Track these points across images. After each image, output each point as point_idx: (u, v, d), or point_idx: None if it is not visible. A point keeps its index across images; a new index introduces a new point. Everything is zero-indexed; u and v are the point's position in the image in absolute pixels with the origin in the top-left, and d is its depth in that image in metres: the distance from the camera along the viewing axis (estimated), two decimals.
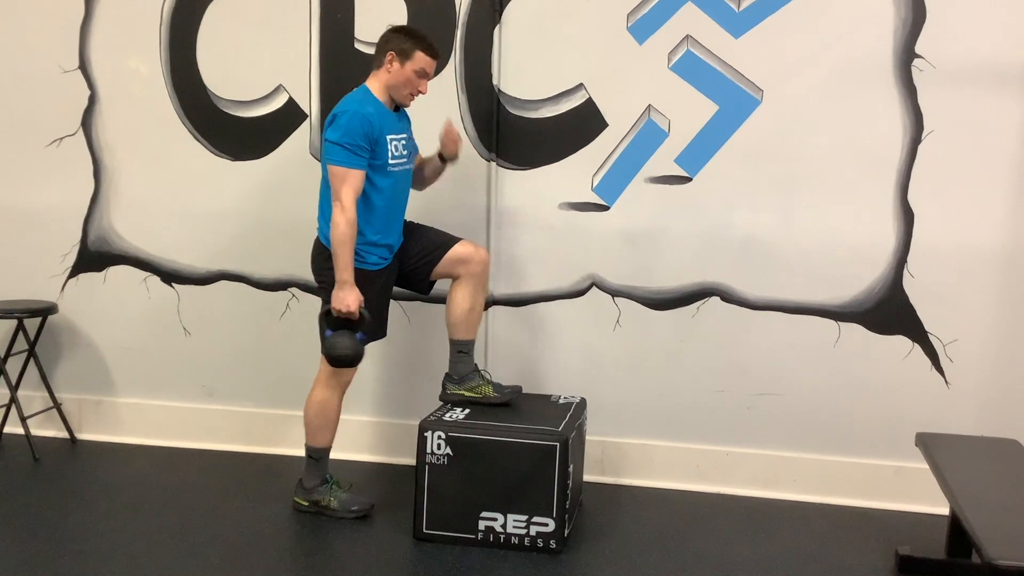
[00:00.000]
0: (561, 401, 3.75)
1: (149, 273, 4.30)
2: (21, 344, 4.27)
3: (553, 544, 3.37)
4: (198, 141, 4.18)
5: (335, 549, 3.39)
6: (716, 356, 3.95)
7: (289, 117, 4.11)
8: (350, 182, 3.29)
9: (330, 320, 3.41)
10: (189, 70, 4.15)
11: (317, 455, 3.63)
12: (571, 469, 3.41)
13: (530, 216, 3.99)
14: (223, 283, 4.26)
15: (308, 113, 4.09)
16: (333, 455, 3.68)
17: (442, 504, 3.41)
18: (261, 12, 4.05)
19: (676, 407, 4.00)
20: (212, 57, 4.13)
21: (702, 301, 3.93)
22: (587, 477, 3.94)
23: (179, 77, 4.16)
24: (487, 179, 3.99)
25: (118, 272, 4.32)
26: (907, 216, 3.76)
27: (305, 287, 4.14)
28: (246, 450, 4.29)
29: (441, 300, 3.74)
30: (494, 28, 3.92)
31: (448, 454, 3.39)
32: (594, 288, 4.00)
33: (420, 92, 3.46)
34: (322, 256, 3.46)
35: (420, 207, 3.80)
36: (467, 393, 3.61)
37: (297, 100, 4.09)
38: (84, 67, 4.21)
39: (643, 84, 3.85)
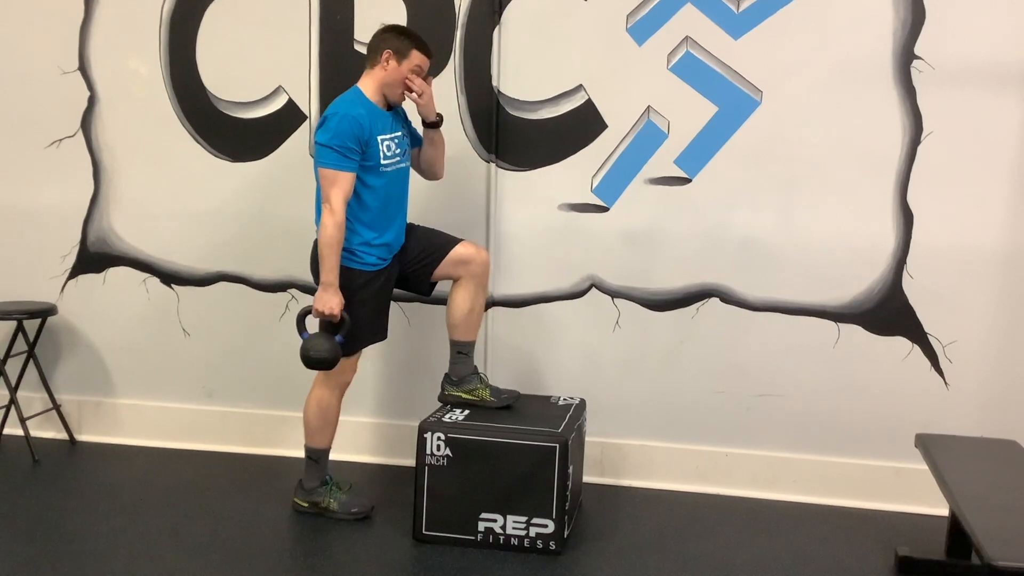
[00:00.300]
0: (560, 402, 3.75)
1: (149, 274, 4.30)
2: (21, 345, 4.27)
3: (553, 545, 3.37)
4: (198, 142, 4.18)
5: (335, 550, 3.39)
6: (715, 357, 3.95)
7: (289, 118, 4.11)
8: (339, 184, 3.30)
9: (312, 322, 3.41)
10: (189, 71, 4.15)
11: (316, 456, 3.63)
12: (571, 470, 3.41)
13: (530, 217, 4.00)
14: (222, 284, 4.26)
15: (308, 114, 4.09)
16: (333, 456, 3.68)
17: (442, 505, 3.41)
18: (261, 13, 4.05)
19: (676, 408, 4.00)
20: (212, 58, 4.13)
21: (702, 302, 3.94)
22: (587, 478, 3.94)
23: (179, 78, 4.16)
24: (487, 180, 3.99)
25: (118, 273, 4.32)
26: (906, 217, 3.76)
27: (304, 288, 4.14)
28: (245, 451, 4.29)
29: (441, 301, 3.74)
30: (494, 29, 3.92)
31: (448, 455, 3.39)
32: (594, 289, 4.01)
33: (415, 90, 3.44)
34: None
35: (420, 208, 3.80)
36: (465, 395, 3.61)
37: (296, 101, 4.09)
38: (84, 68, 4.22)
39: (643, 85, 3.85)
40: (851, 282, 3.82)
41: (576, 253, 3.99)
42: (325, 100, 4.02)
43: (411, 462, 3.52)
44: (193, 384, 4.34)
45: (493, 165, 3.99)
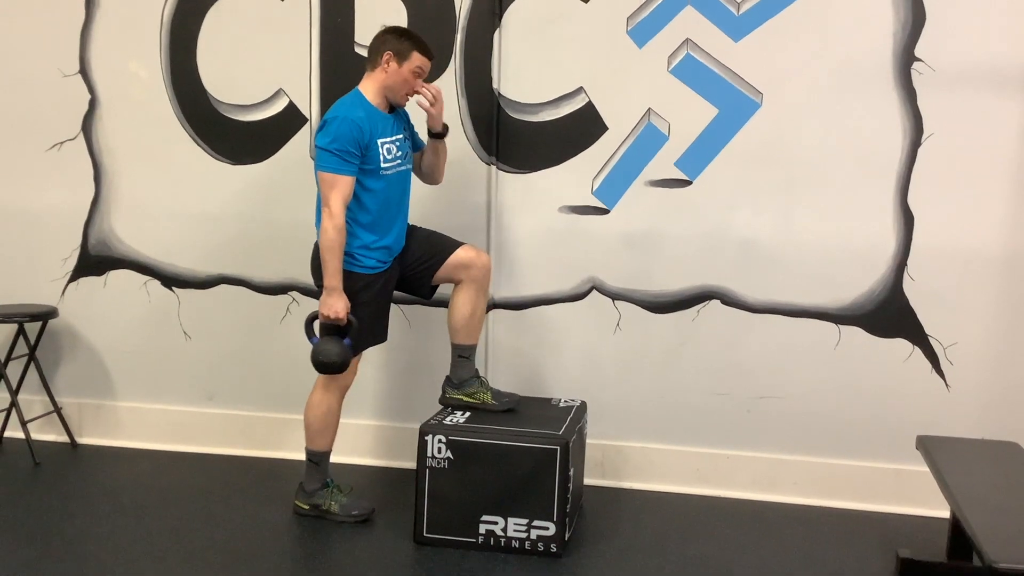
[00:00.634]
0: (561, 404, 3.75)
1: (149, 277, 4.30)
2: (21, 348, 4.27)
3: (554, 548, 3.37)
4: (198, 145, 4.18)
5: (336, 553, 3.39)
6: (716, 359, 3.95)
7: (289, 121, 4.11)
8: (339, 188, 3.30)
9: (318, 327, 3.42)
10: (189, 74, 4.15)
11: (317, 459, 3.63)
12: (572, 473, 3.41)
13: (530, 219, 4.00)
14: (223, 287, 4.26)
15: (308, 117, 4.09)
16: (334, 459, 3.68)
17: (443, 508, 3.41)
18: (261, 16, 4.06)
19: (676, 410, 4.00)
20: (212, 61, 4.13)
21: (702, 304, 3.94)
22: (588, 480, 3.94)
23: (179, 81, 4.16)
24: (487, 182, 3.99)
25: (118, 276, 4.32)
26: (907, 219, 3.76)
27: (305, 291, 4.14)
28: (246, 454, 4.29)
29: (442, 303, 3.74)
30: (494, 32, 3.92)
31: (448, 458, 3.39)
32: (594, 291, 4.01)
33: (416, 92, 3.45)
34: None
35: (421, 210, 3.80)
36: (466, 398, 3.61)
37: (297, 104, 4.09)
38: (84, 71, 4.22)
39: (643, 87, 3.85)
40: (852, 284, 3.82)
41: (577, 255, 3.99)
42: (326, 103, 4.03)
43: (412, 465, 3.52)
44: (194, 387, 4.34)
45: (494, 168, 3.99)
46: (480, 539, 3.40)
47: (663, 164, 3.89)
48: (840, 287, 3.83)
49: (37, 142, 4.29)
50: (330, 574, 3.23)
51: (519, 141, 3.96)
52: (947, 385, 3.81)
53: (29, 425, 4.21)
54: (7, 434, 4.34)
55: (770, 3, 3.73)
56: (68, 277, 4.36)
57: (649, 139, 3.88)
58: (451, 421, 3.47)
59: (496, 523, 3.39)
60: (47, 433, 4.39)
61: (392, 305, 3.67)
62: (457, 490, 3.39)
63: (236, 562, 3.27)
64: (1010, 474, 3.09)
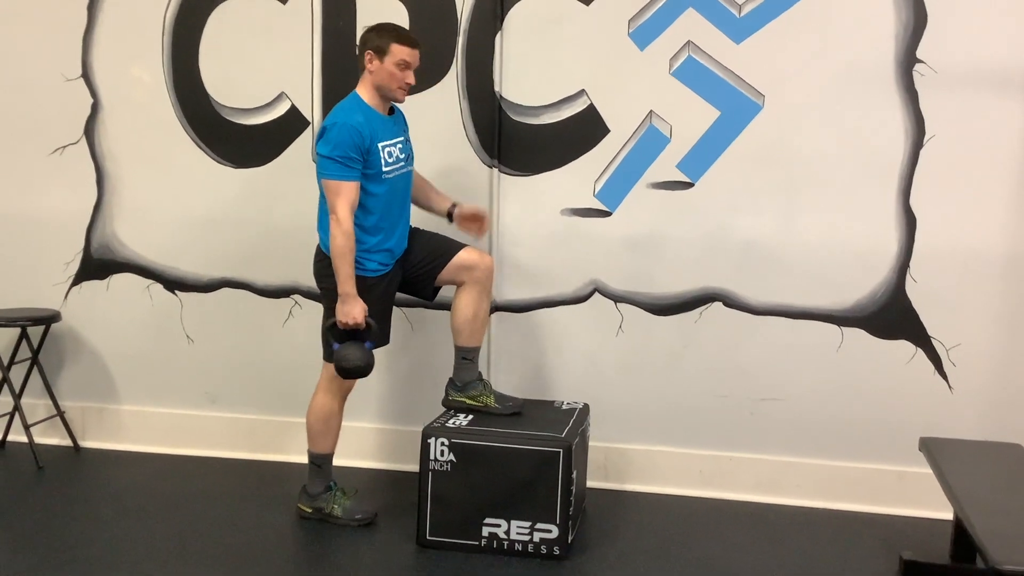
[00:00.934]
0: (564, 407, 3.75)
1: (152, 281, 4.30)
2: (24, 352, 4.28)
3: (557, 550, 3.37)
4: (200, 149, 4.19)
5: (339, 556, 3.39)
6: (719, 361, 3.95)
7: (291, 124, 4.11)
8: (344, 195, 3.30)
9: (336, 333, 3.41)
10: (191, 78, 4.15)
11: (320, 461, 3.63)
12: (574, 475, 3.41)
13: (532, 222, 4.00)
14: (226, 290, 4.27)
15: (310, 120, 4.09)
16: (336, 462, 3.68)
17: (445, 511, 3.41)
18: (263, 20, 4.06)
19: (679, 412, 4.00)
20: (214, 65, 4.14)
21: (704, 306, 3.93)
22: (590, 483, 3.94)
23: (181, 85, 4.17)
24: (489, 185, 3.99)
25: (121, 280, 4.32)
26: (909, 220, 3.76)
27: (308, 294, 4.14)
28: (249, 457, 4.29)
29: (445, 306, 3.74)
30: (496, 34, 3.92)
31: (451, 460, 3.39)
32: (596, 294, 4.00)
33: (409, 84, 3.44)
34: (323, 263, 3.46)
35: (423, 213, 3.80)
36: (469, 401, 3.61)
37: (299, 107, 4.10)
38: (87, 75, 4.22)
39: (645, 90, 3.85)
40: (854, 285, 3.82)
41: (579, 258, 3.99)
42: (327, 106, 4.02)
43: (415, 467, 3.52)
44: (196, 390, 4.34)
45: (496, 170, 3.99)
46: (483, 542, 3.40)
47: (665, 166, 3.89)
48: (842, 289, 3.83)
49: (40, 146, 4.29)
50: None
51: (521, 144, 3.96)
52: (950, 387, 3.81)
53: (32, 429, 4.21)
54: (10, 438, 4.35)
55: (772, 5, 3.73)
56: (71, 281, 4.36)
57: (651, 141, 3.88)
58: (454, 424, 3.47)
59: (499, 526, 3.39)
60: (50, 437, 4.40)
61: (395, 307, 3.67)
62: (460, 493, 3.39)
63: (240, 565, 3.27)
64: (1013, 475, 3.09)
